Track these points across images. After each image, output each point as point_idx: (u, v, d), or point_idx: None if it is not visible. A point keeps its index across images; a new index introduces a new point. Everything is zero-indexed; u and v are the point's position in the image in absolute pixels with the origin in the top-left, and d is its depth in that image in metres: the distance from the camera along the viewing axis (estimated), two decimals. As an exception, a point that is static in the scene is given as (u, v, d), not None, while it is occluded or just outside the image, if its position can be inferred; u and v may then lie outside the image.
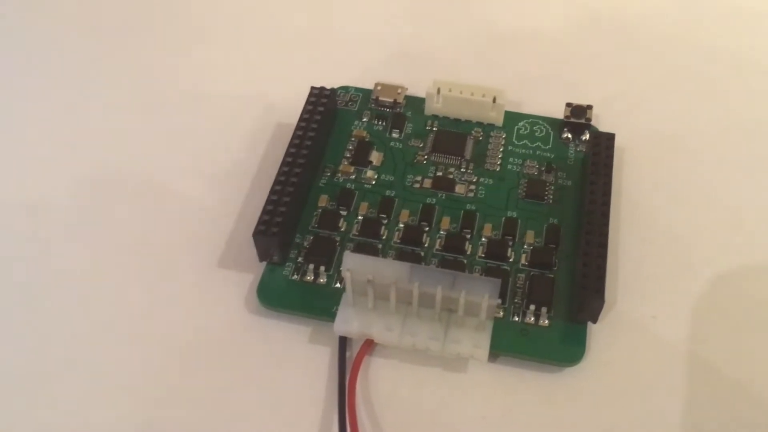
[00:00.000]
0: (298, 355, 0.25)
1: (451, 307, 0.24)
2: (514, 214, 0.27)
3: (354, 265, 0.23)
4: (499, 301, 0.24)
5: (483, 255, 0.26)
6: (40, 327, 0.25)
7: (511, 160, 0.29)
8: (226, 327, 0.25)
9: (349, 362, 0.24)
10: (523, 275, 0.26)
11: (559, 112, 0.30)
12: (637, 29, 0.34)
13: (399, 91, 0.30)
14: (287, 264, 0.26)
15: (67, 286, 0.26)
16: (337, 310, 0.24)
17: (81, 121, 0.31)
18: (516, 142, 0.29)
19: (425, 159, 0.29)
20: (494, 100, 0.29)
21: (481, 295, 0.23)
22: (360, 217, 0.27)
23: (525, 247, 0.26)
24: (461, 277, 0.23)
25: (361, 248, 0.26)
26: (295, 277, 0.26)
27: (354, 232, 0.27)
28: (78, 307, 0.26)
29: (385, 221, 0.27)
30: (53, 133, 0.31)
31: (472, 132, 0.29)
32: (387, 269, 0.23)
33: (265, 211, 0.25)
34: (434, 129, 0.30)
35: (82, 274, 0.27)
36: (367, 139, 0.29)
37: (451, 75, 0.30)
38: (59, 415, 0.24)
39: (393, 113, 0.30)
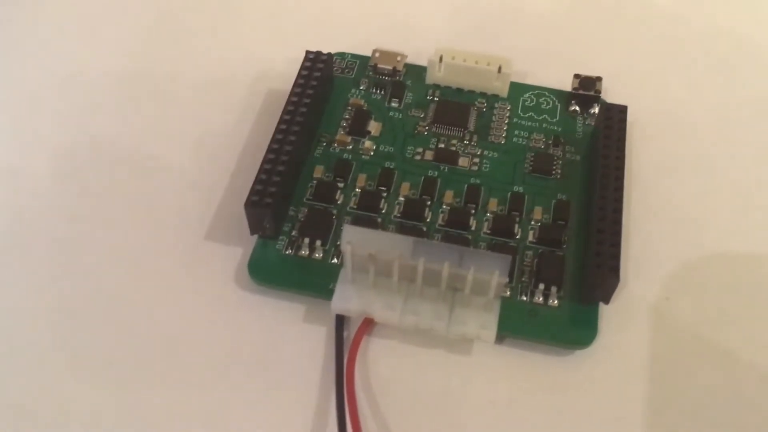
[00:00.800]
0: (292, 334, 0.23)
1: (456, 285, 0.22)
2: (521, 189, 0.26)
3: (354, 238, 0.22)
4: (508, 279, 0.22)
5: (488, 231, 0.25)
6: (18, 304, 0.24)
7: (516, 132, 0.27)
8: (215, 304, 0.24)
9: (346, 343, 0.23)
10: (531, 253, 0.24)
11: (566, 84, 0.28)
12: (647, 3, 0.33)
13: (399, 58, 0.29)
14: (280, 238, 0.24)
15: (45, 260, 0.25)
16: (334, 286, 0.23)
17: (63, 88, 0.29)
18: (522, 114, 0.28)
19: (426, 130, 0.27)
20: (499, 70, 0.28)
21: (490, 273, 0.21)
22: (358, 190, 0.25)
23: (532, 223, 0.25)
24: (469, 253, 0.22)
25: (359, 222, 0.25)
26: (289, 251, 0.24)
27: (351, 204, 0.25)
28: (57, 284, 0.24)
29: (385, 194, 0.25)
30: (36, 101, 0.29)
31: (476, 102, 0.28)
32: (389, 243, 0.22)
33: (258, 181, 0.24)
34: (436, 99, 0.28)
35: (61, 249, 0.25)
36: (364, 108, 0.28)
37: (452, 44, 0.29)
38: (38, 398, 0.22)
39: (392, 81, 0.28)
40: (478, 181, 0.26)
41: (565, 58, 0.30)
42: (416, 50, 0.29)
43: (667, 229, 0.26)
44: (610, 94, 0.29)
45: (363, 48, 0.29)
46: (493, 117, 0.28)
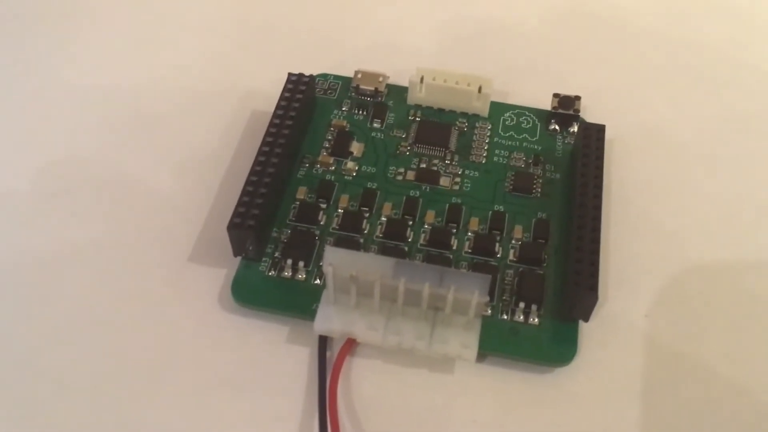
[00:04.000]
0: (276, 355, 0.23)
1: (437, 305, 0.22)
2: (501, 208, 0.26)
3: (336, 259, 0.22)
4: (488, 298, 0.23)
5: (470, 250, 0.25)
6: (3, 328, 0.24)
7: (497, 152, 0.28)
8: (198, 326, 0.24)
9: (329, 363, 0.23)
10: (511, 271, 0.24)
11: (545, 103, 0.29)
12: (625, 21, 0.33)
13: (380, 79, 0.29)
14: (263, 259, 0.24)
15: (27, 282, 0.25)
16: (317, 308, 0.23)
17: (45, 109, 0.29)
18: (502, 134, 0.28)
19: (408, 150, 0.27)
20: (480, 90, 0.28)
21: (470, 292, 0.22)
22: (340, 211, 0.26)
23: (513, 242, 0.25)
24: (449, 273, 0.22)
25: (341, 242, 0.25)
26: (272, 273, 0.24)
27: (334, 225, 0.25)
28: (40, 305, 0.24)
29: (367, 215, 0.26)
30: (17, 121, 0.29)
31: (457, 122, 0.28)
32: (371, 264, 0.22)
33: (240, 203, 0.24)
34: (417, 119, 0.28)
35: (43, 270, 0.25)
36: (347, 129, 0.28)
37: (433, 64, 0.29)
38: (19, 417, 0.22)
39: (374, 102, 0.29)
40: (459, 201, 0.26)
41: (545, 77, 0.31)
42: (398, 70, 0.29)
43: (647, 246, 0.26)
44: (590, 111, 0.29)
45: (346, 68, 0.30)
46: (474, 136, 0.28)
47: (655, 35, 0.33)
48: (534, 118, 0.29)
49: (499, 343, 0.23)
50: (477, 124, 0.28)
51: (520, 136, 0.28)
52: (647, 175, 0.28)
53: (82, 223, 0.26)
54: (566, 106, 0.28)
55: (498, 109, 0.29)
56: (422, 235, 0.25)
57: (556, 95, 0.28)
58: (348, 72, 0.29)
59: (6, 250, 0.25)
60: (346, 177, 0.27)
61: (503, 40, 0.32)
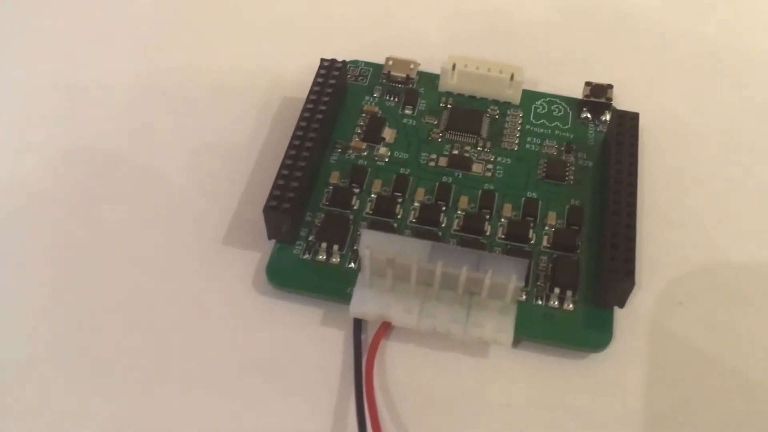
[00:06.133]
0: (310, 338, 0.23)
1: (473, 289, 0.22)
2: (535, 195, 0.26)
3: (373, 242, 0.22)
4: (524, 283, 0.23)
5: (503, 236, 0.25)
6: (36, 311, 0.24)
7: (529, 139, 0.28)
8: (233, 308, 0.24)
9: (364, 346, 0.23)
10: (545, 257, 0.24)
11: (577, 92, 0.29)
12: (651, 12, 0.33)
13: (411, 66, 0.29)
14: (298, 243, 0.25)
15: (60, 266, 0.25)
16: (351, 290, 0.23)
17: (78, 95, 0.29)
18: (534, 121, 0.28)
19: (440, 137, 0.27)
20: (512, 77, 0.28)
21: (507, 277, 0.21)
22: (373, 195, 0.26)
23: (546, 228, 0.25)
24: (486, 257, 0.22)
25: (375, 227, 0.25)
26: (307, 256, 0.24)
27: (368, 210, 0.25)
28: (73, 289, 0.24)
29: (400, 200, 0.26)
30: (51, 107, 0.29)
31: (488, 110, 0.28)
32: (407, 248, 0.22)
33: (275, 186, 0.24)
34: (449, 106, 0.28)
35: (79, 255, 0.25)
36: (379, 115, 0.28)
37: (464, 52, 0.29)
38: (48, 403, 0.22)
39: (405, 89, 0.29)
40: (491, 187, 0.26)
41: (576, 66, 0.31)
42: (427, 58, 0.29)
43: (678, 235, 0.26)
44: (620, 101, 0.29)
45: (373, 56, 0.30)
46: (506, 124, 0.28)
47: (686, 26, 0.33)
48: (565, 106, 0.29)
49: (534, 328, 0.23)
50: (509, 112, 0.28)
51: (552, 124, 0.28)
52: (676, 165, 0.28)
53: (116, 209, 0.26)
54: (598, 95, 0.28)
55: (529, 97, 0.29)
56: (456, 221, 0.25)
57: (588, 83, 0.28)
58: (376, 59, 0.29)
59: (39, 235, 0.25)
60: (378, 162, 0.27)
61: (534, 29, 0.32)
